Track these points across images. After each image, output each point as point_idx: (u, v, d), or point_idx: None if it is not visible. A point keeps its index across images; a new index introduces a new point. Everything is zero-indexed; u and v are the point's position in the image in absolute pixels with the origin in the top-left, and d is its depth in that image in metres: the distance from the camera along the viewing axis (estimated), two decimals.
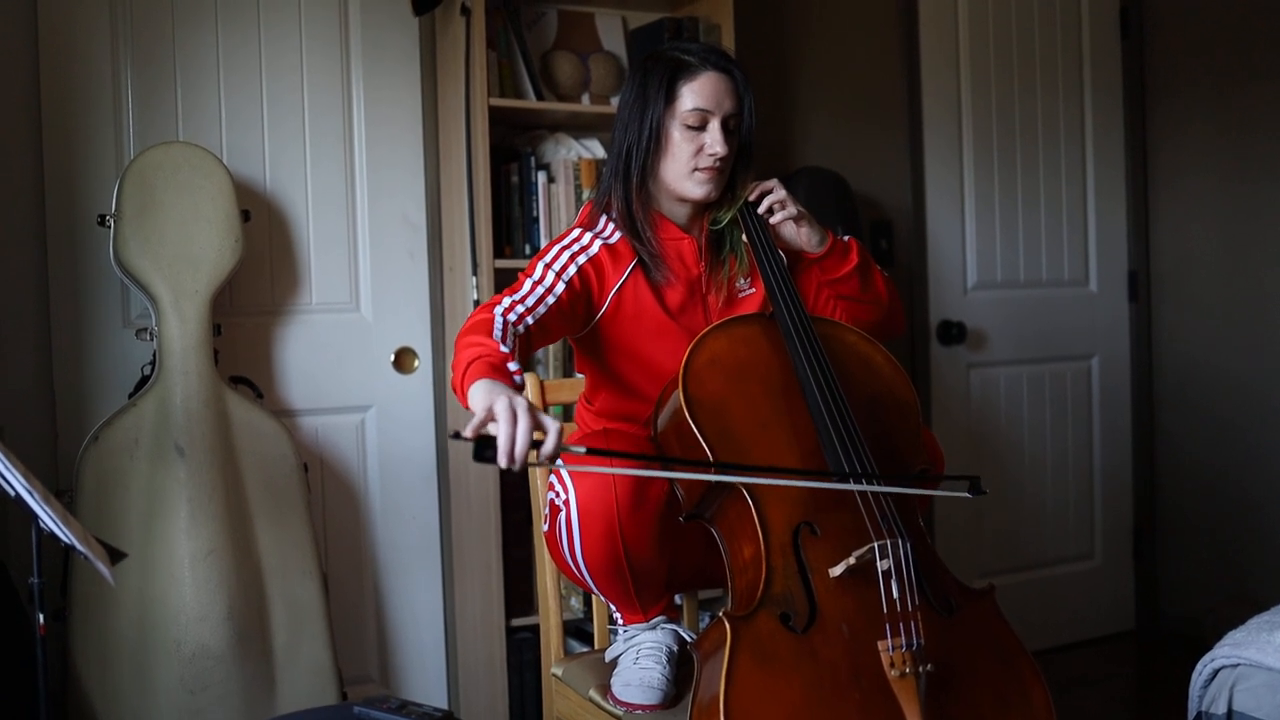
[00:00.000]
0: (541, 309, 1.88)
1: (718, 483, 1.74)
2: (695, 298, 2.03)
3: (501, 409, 1.53)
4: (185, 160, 2.56)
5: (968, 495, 1.75)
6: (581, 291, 1.94)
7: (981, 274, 3.76)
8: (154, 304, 2.53)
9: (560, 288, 1.91)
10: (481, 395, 1.59)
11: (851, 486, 1.73)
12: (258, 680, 2.50)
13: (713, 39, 3.01)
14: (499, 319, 1.80)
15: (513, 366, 1.69)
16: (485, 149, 2.79)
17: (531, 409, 1.55)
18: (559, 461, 1.62)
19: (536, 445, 1.55)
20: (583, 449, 1.64)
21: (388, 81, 2.96)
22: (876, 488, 1.74)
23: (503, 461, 1.53)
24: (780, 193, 2.01)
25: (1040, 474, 3.86)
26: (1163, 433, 4.01)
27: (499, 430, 1.52)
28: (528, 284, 1.91)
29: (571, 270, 1.93)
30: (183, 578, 2.43)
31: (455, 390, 1.70)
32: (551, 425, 1.56)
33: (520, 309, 1.85)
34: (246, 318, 2.81)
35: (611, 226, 2.01)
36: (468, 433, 1.54)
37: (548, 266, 1.93)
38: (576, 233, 2.00)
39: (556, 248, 1.97)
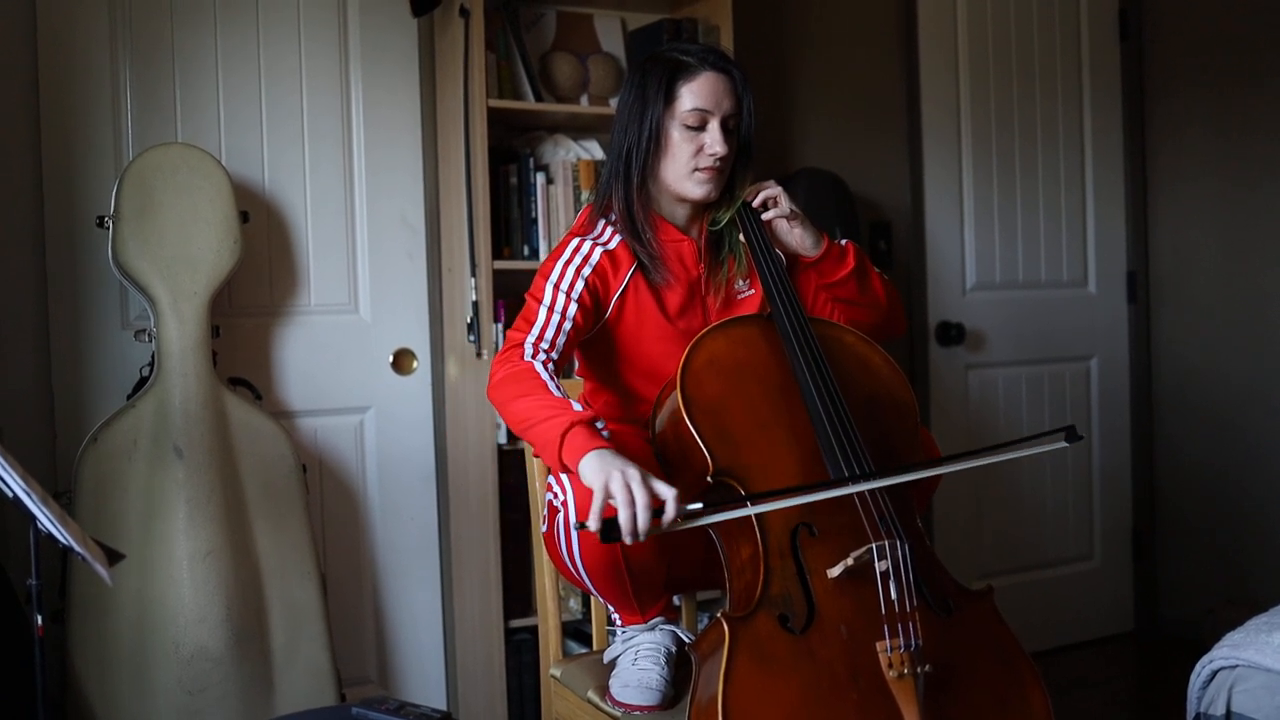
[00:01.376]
0: (561, 339, 1.89)
1: (717, 485, 1.74)
2: (695, 299, 2.03)
3: (618, 489, 1.58)
4: (184, 162, 2.56)
5: (1065, 444, 1.75)
6: (592, 307, 1.94)
7: (980, 275, 3.76)
8: (152, 305, 2.53)
9: (573, 309, 1.91)
10: (595, 473, 1.61)
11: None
12: (256, 681, 2.50)
13: (712, 40, 3.01)
14: (541, 369, 1.80)
15: (600, 424, 1.72)
16: (484, 150, 2.79)
17: (645, 479, 1.59)
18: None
19: (658, 513, 1.58)
20: (699, 504, 1.65)
21: (386, 83, 2.96)
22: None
23: (628, 540, 1.58)
24: (776, 189, 2.01)
25: (1039, 475, 3.86)
26: (1162, 434, 4.01)
27: (620, 514, 1.57)
28: (542, 313, 1.90)
29: (580, 286, 1.93)
30: (181, 579, 2.43)
31: (548, 457, 1.70)
32: (668, 493, 1.59)
33: (544, 346, 1.86)
34: (245, 319, 2.81)
35: (610, 231, 2.00)
36: (593, 524, 1.59)
37: (556, 287, 1.92)
38: (575, 243, 1.98)
39: (560, 264, 1.95)
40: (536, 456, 1.76)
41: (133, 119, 2.69)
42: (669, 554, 1.88)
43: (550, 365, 1.83)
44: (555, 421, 1.70)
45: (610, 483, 1.58)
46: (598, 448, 1.64)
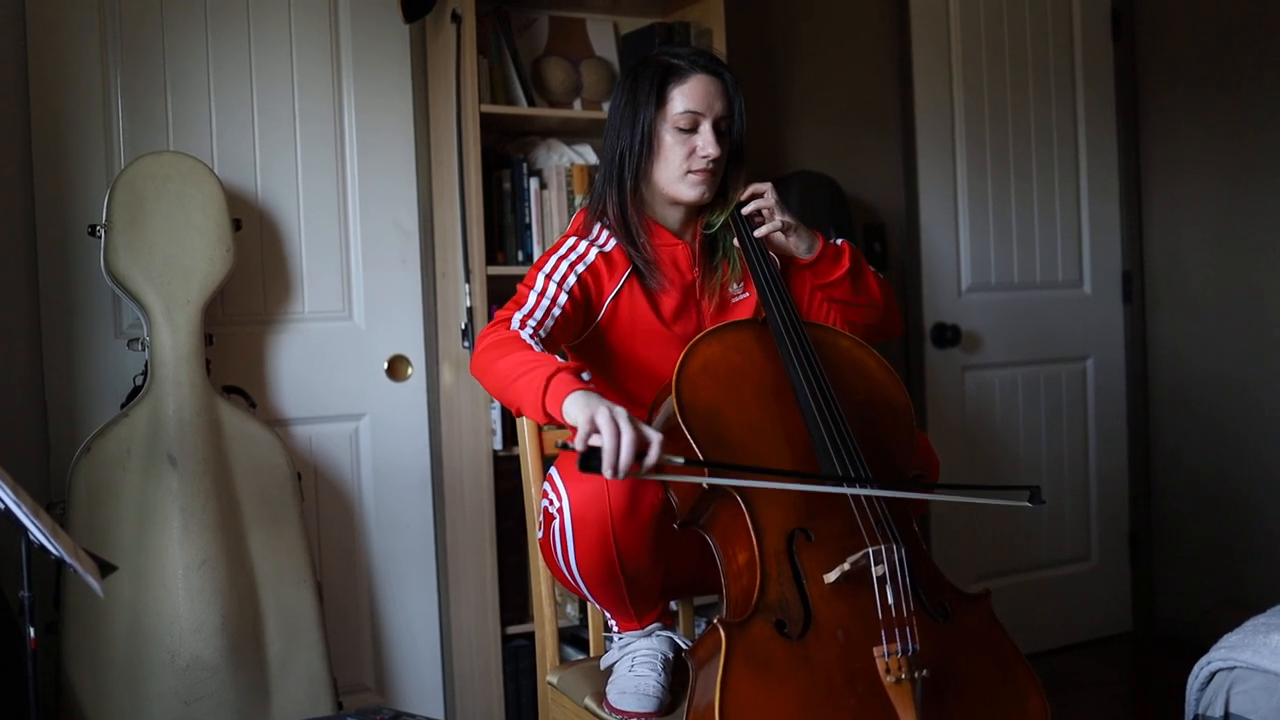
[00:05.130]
0: (549, 321, 1.88)
1: (712, 488, 1.73)
2: (690, 303, 2.03)
3: (604, 421, 1.56)
4: (176, 169, 2.56)
5: (1029, 505, 1.75)
6: (582, 300, 1.94)
7: (975, 276, 3.76)
8: (145, 314, 2.52)
9: (563, 298, 1.90)
10: (580, 406, 1.59)
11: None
12: (252, 691, 2.49)
13: (704, 44, 3.00)
14: (527, 337, 1.79)
15: (585, 376, 1.68)
16: (477, 155, 2.79)
17: (633, 420, 1.57)
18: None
19: (640, 456, 1.57)
20: (681, 460, 1.64)
21: (379, 88, 2.95)
22: (948, 496, 1.77)
23: (608, 473, 1.56)
24: (768, 199, 2.00)
25: (1036, 476, 3.85)
26: (1158, 434, 4.01)
27: (604, 443, 1.55)
28: (531, 297, 1.90)
29: (571, 280, 1.93)
30: (176, 588, 2.42)
31: (531, 409, 1.68)
32: (654, 437, 1.58)
33: (531, 323, 1.85)
34: (239, 327, 2.80)
35: (606, 234, 2.01)
36: (578, 444, 1.56)
37: (548, 278, 1.92)
38: (571, 241, 1.99)
39: (554, 258, 1.96)
40: (519, 415, 1.71)
41: (124, 127, 2.68)
42: (665, 559, 1.88)
43: (536, 340, 1.82)
44: (539, 371, 1.68)
45: (596, 416, 1.56)
46: (583, 389, 1.63)
